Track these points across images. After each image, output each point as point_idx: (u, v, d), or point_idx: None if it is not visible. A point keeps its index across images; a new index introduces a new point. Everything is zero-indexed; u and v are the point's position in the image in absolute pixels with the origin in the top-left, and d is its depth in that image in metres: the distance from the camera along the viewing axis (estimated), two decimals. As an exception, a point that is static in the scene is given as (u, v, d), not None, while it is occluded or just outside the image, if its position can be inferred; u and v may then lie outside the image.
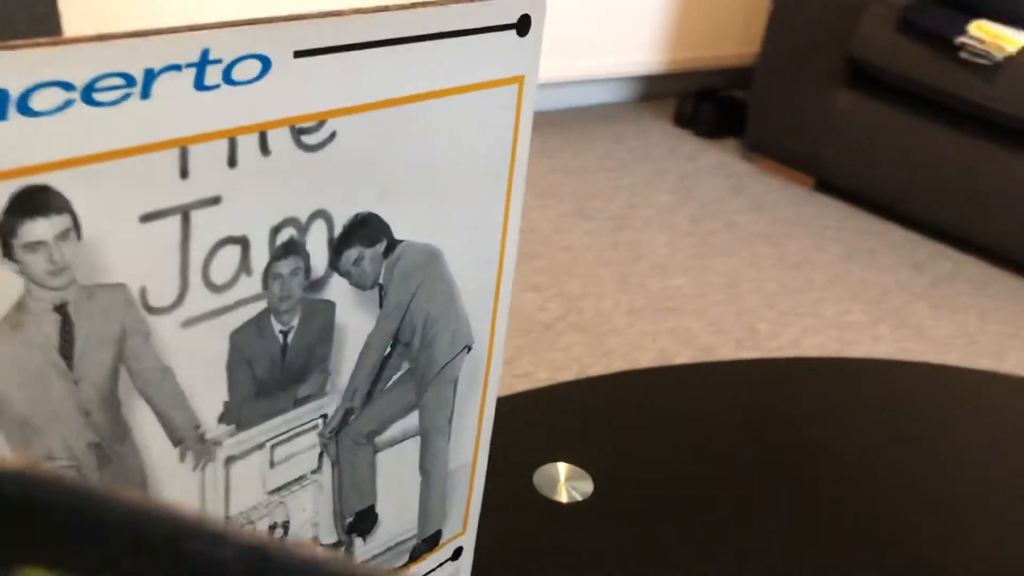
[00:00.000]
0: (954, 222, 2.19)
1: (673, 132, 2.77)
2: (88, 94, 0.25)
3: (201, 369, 0.31)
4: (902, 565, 0.61)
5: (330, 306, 0.35)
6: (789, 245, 2.19)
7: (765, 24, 2.52)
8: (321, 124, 0.31)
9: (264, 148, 0.30)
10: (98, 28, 0.26)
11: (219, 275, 0.31)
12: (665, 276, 2.00)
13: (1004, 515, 0.68)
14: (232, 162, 0.29)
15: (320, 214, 0.33)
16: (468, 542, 0.48)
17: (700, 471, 0.67)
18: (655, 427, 0.71)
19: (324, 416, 0.37)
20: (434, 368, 0.41)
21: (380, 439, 0.40)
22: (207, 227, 0.29)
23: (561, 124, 2.59)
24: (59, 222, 0.26)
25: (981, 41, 2.05)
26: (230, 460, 0.34)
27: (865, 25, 2.22)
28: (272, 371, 0.34)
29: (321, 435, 0.37)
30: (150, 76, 0.26)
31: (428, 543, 0.45)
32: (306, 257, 0.33)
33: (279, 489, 0.36)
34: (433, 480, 0.44)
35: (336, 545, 0.41)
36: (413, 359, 0.39)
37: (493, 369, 0.44)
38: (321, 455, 0.37)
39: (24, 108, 0.24)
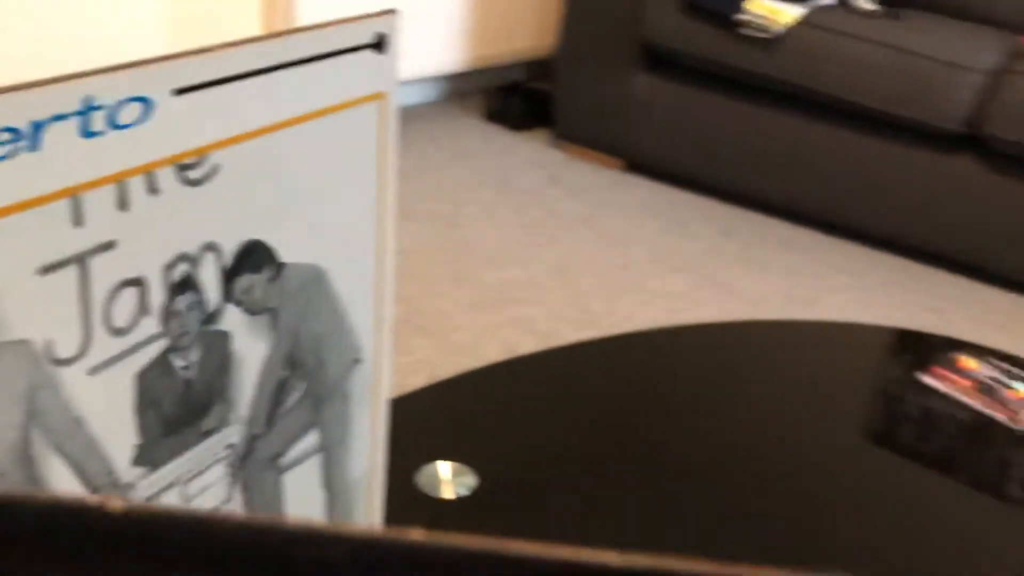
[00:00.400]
0: (755, 187, 2.34)
1: (485, 128, 2.82)
2: (-21, 153, 0.25)
3: (111, 415, 0.31)
4: (761, 516, 0.66)
5: (226, 336, 0.35)
6: (608, 226, 2.28)
7: (559, 15, 2.61)
8: (204, 158, 0.32)
9: (152, 188, 0.30)
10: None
11: (120, 319, 0.30)
12: (499, 269, 2.04)
13: (833, 440, 0.75)
14: (123, 205, 0.29)
15: (210, 247, 0.33)
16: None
17: (576, 451, 0.70)
18: (528, 417, 0.74)
19: (231, 446, 0.37)
20: (328, 385, 0.41)
21: (283, 461, 0.40)
22: (104, 272, 0.29)
23: (375, 130, 2.58)
24: (-40, 285, 0.25)
25: (758, 16, 2.20)
26: (147, 502, 0.34)
27: (652, 9, 2.33)
28: (178, 408, 0.34)
29: (230, 464, 0.37)
30: (37, 128, 0.26)
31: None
32: (199, 290, 0.33)
33: (193, 525, 0.36)
34: (336, 494, 0.44)
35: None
36: (308, 378, 0.40)
37: (383, 379, 0.45)
38: (231, 484, 0.38)
39: (-83, 173, 0.24)
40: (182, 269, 0.32)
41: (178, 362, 0.33)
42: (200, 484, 0.36)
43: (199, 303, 0.33)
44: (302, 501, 0.42)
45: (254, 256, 0.35)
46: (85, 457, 0.31)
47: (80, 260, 0.28)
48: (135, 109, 0.29)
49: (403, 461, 0.67)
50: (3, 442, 0.28)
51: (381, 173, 0.41)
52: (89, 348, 0.30)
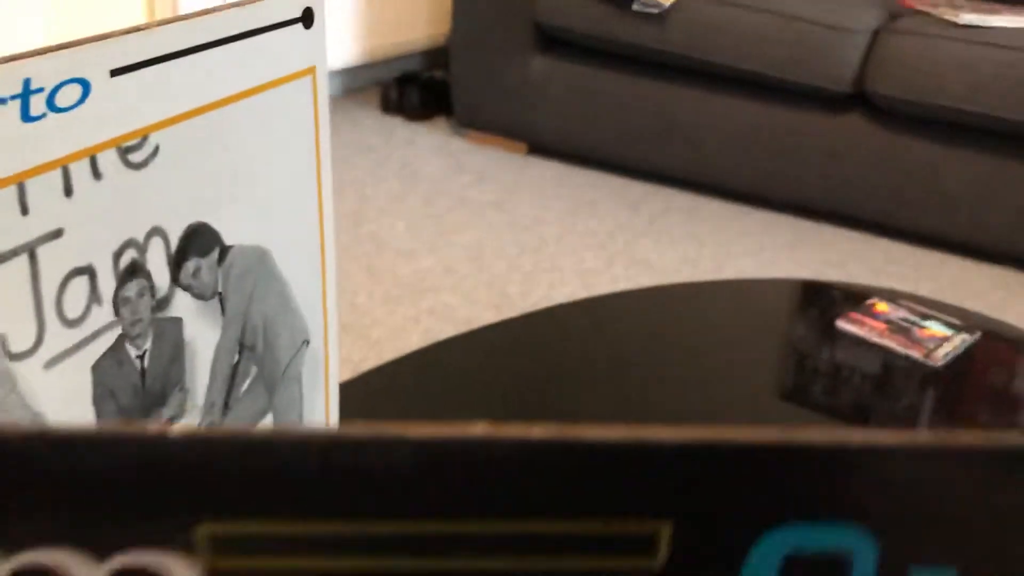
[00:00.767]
0: (658, 161, 2.38)
1: (384, 120, 2.80)
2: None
3: (69, 409, 0.30)
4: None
5: (178, 323, 0.35)
6: (518, 209, 2.29)
7: (452, 3, 2.60)
8: (144, 140, 0.31)
9: (96, 173, 0.29)
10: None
11: (72, 309, 0.30)
12: (412, 260, 2.03)
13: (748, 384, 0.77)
14: (68, 191, 0.29)
15: (156, 231, 0.32)
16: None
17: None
18: (451, 399, 0.74)
19: (190, 434, 0.36)
20: (279, 368, 0.41)
21: (241, 448, 0.40)
22: (54, 262, 0.29)
23: (273, 130, 2.54)
24: (-91, 280, 0.24)
25: (647, -7, 2.24)
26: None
27: (543, -8, 2.35)
28: (135, 398, 0.33)
29: (190, 454, 0.37)
30: (-23, 113, 0.25)
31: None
32: (149, 276, 0.33)
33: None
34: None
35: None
36: (259, 362, 0.40)
37: (332, 361, 0.45)
38: (192, 475, 0.37)
39: None
40: (131, 255, 0.31)
41: (132, 351, 0.33)
42: (163, 475, 0.35)
43: (149, 289, 0.33)
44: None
45: (199, 239, 0.35)
46: (48, 453, 0.30)
47: (29, 250, 0.28)
48: (74, 91, 0.28)
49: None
50: (-37, 443, 0.27)
51: (317, 150, 0.40)
52: (43, 340, 0.29)
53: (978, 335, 0.85)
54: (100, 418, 0.32)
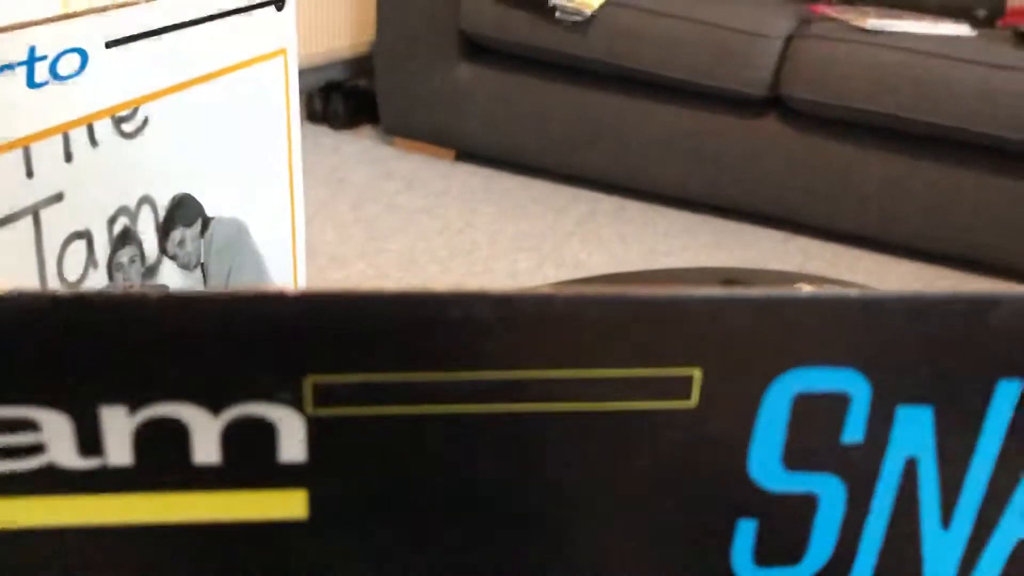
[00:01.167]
0: (584, 165, 2.43)
1: (310, 128, 2.79)
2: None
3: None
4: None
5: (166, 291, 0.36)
6: (448, 214, 2.31)
7: (375, 12, 2.62)
8: (135, 111, 0.32)
9: (92, 140, 0.31)
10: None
11: (71, 272, 0.31)
12: (344, 266, 2.03)
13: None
14: (68, 157, 0.30)
15: (146, 200, 0.34)
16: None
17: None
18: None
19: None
20: (254, 340, 0.42)
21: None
22: (55, 224, 0.30)
23: (197, 140, 2.51)
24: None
25: (569, 1, 2.28)
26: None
27: (467, 0, 2.38)
28: (126, 363, 0.34)
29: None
30: (-11, 77, 0.27)
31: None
32: (140, 245, 0.34)
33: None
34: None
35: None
36: (237, 333, 0.41)
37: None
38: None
39: None
40: (123, 222, 0.33)
41: (124, 316, 0.34)
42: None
43: (140, 256, 0.34)
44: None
45: (184, 210, 0.36)
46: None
47: (34, 212, 0.29)
48: (73, 60, 0.29)
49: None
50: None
51: (288, 129, 0.42)
52: (47, 300, 0.30)
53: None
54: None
